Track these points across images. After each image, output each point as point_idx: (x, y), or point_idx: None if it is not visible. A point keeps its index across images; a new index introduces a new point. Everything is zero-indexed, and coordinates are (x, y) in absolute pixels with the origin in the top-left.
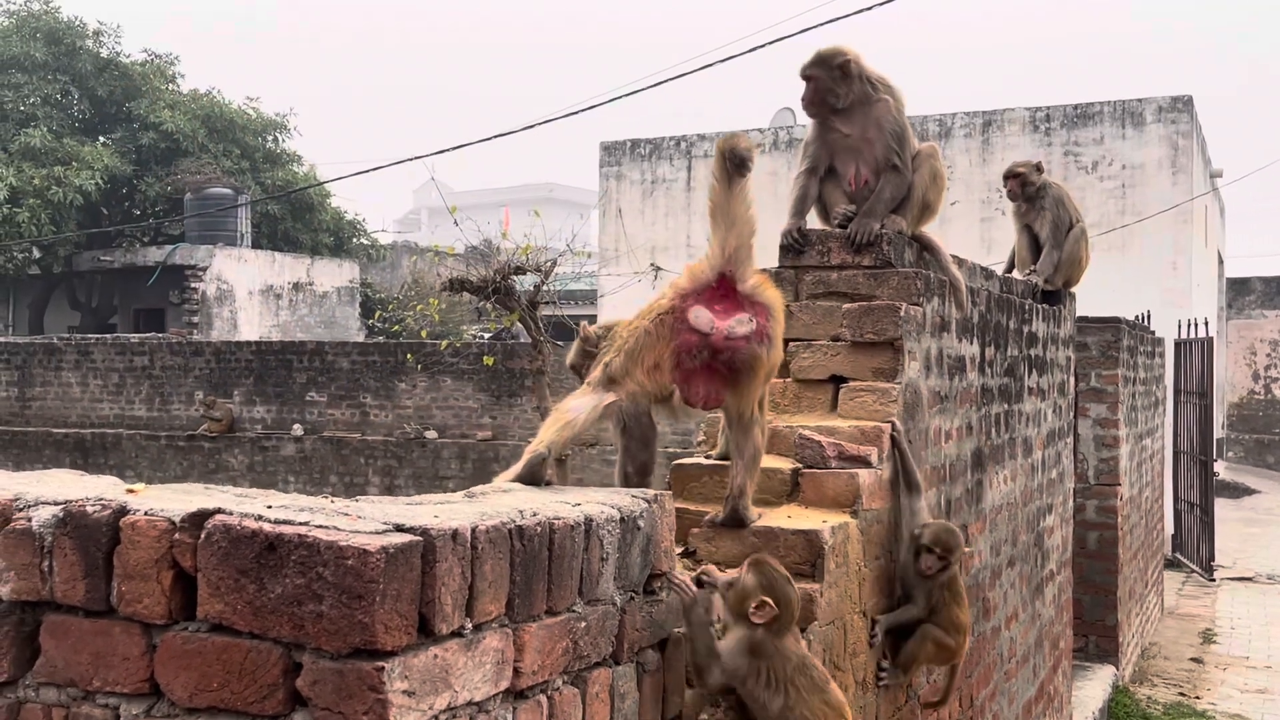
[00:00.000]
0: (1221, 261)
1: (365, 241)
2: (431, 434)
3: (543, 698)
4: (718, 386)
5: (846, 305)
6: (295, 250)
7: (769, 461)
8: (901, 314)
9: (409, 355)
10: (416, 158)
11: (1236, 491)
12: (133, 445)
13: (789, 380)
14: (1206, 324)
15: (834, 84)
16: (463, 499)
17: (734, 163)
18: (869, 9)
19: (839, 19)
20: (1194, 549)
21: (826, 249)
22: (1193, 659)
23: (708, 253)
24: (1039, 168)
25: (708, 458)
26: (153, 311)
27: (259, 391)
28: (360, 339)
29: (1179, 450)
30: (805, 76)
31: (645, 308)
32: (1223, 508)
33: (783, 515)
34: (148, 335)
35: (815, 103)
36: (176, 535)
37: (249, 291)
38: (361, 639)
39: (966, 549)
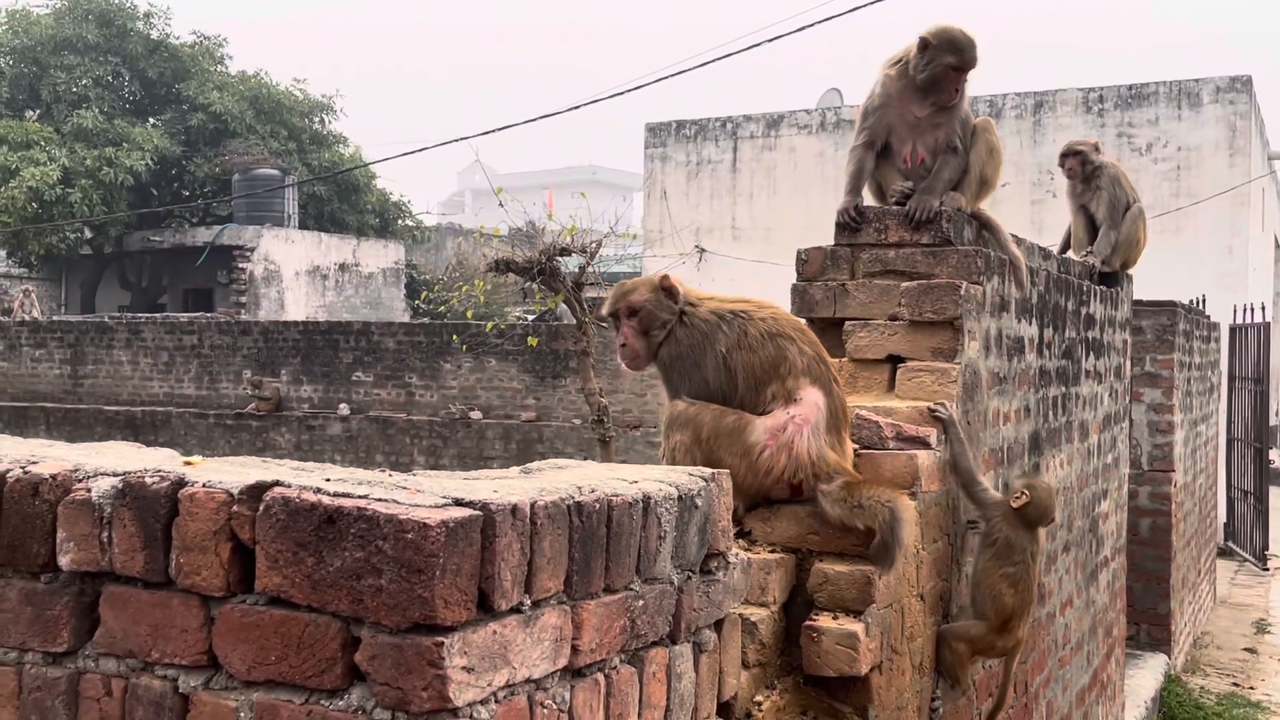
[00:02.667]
0: (1278, 245)
1: (410, 223)
2: (476, 414)
3: (600, 676)
4: None
5: (905, 284)
6: (341, 231)
7: None
8: (961, 293)
9: (454, 336)
10: (461, 139)
11: None
12: (182, 423)
13: (845, 359)
14: (1264, 309)
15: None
16: (519, 474)
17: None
18: None
19: None
20: (1247, 537)
21: (884, 226)
22: (1246, 649)
23: None
24: (1097, 147)
25: None
26: (201, 291)
27: (306, 371)
28: (405, 320)
29: (1233, 437)
30: (974, 62)
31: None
32: (1276, 496)
33: None
34: (196, 315)
35: (962, 94)
36: (235, 507)
37: (295, 272)
38: (421, 614)
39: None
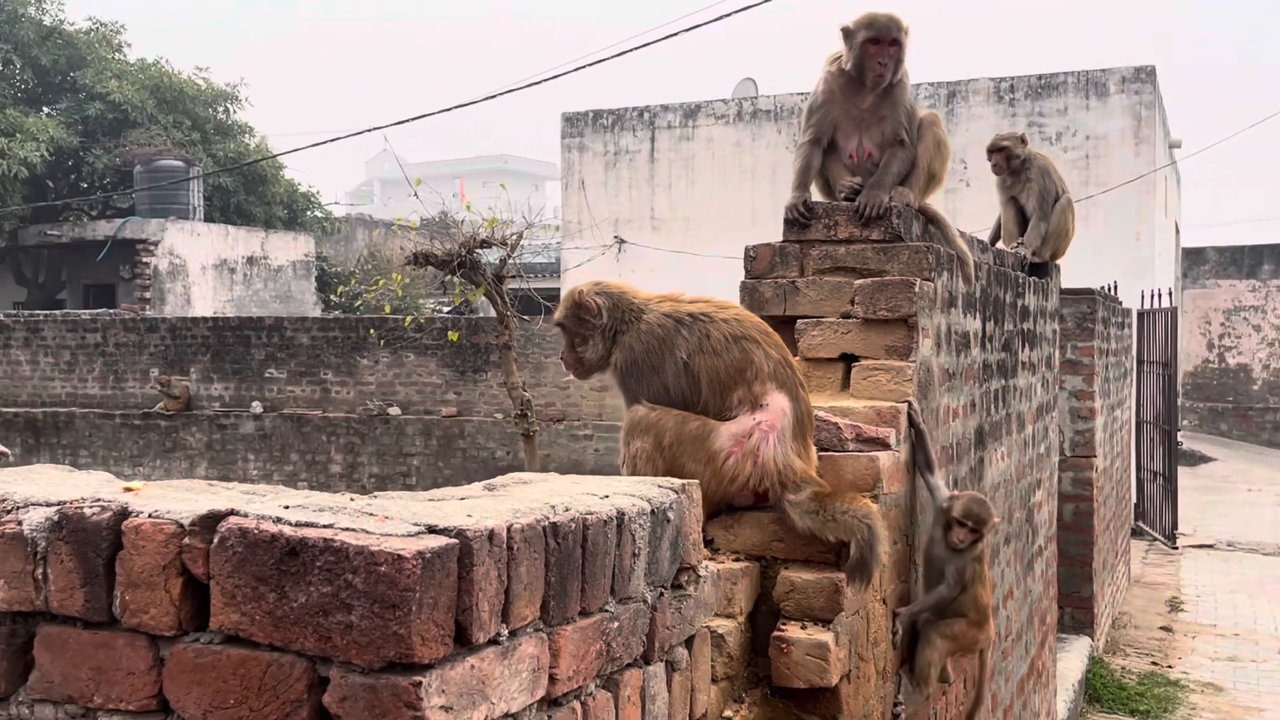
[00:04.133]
0: (1178, 232)
1: (320, 215)
2: (395, 411)
3: (577, 704)
4: None
5: (858, 281)
6: (248, 223)
7: None
8: (916, 290)
9: (371, 330)
10: (374, 129)
11: (1193, 460)
12: (86, 424)
13: (798, 359)
14: (1170, 294)
15: (905, 54)
16: (483, 491)
17: None
18: None
19: None
20: (1157, 517)
21: (833, 222)
22: (1162, 628)
23: None
24: (1023, 139)
25: None
26: (103, 287)
27: (216, 368)
28: (317, 314)
29: (1143, 420)
30: (892, 40)
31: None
32: (1181, 476)
33: None
34: (99, 311)
35: (892, 71)
36: (186, 540)
37: (202, 266)
38: (397, 652)
39: (996, 519)
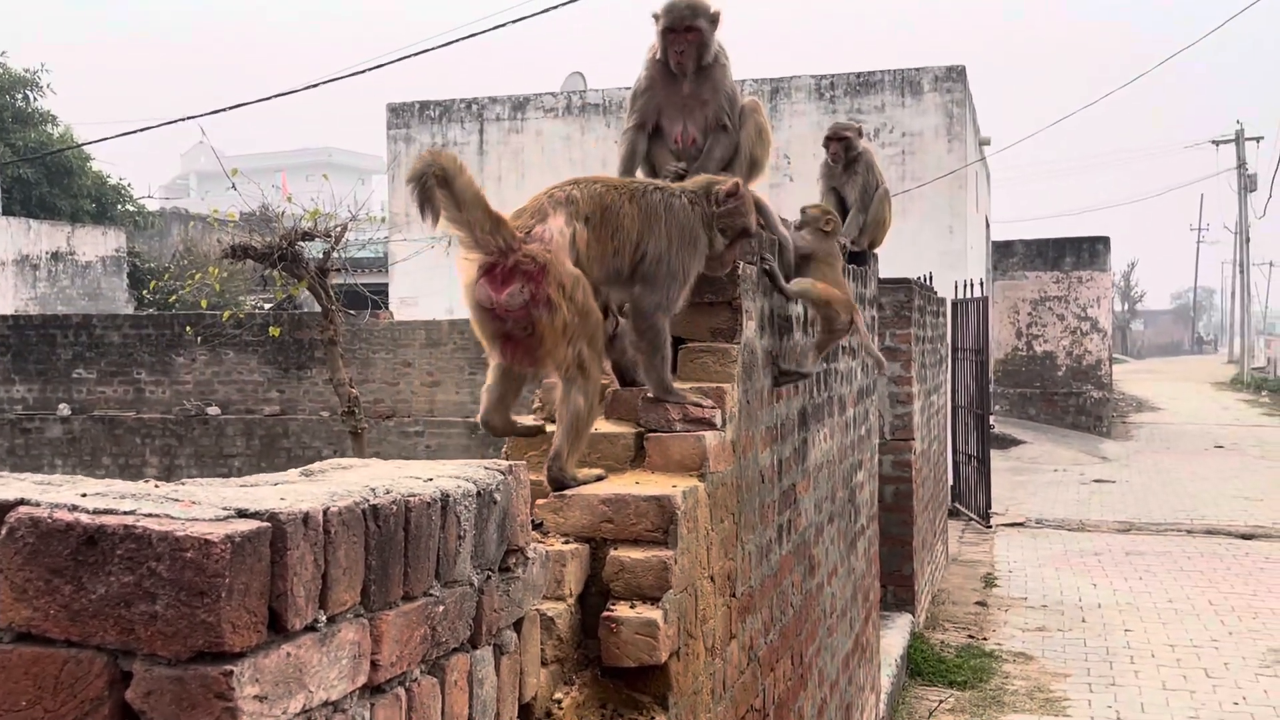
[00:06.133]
0: (989, 226)
1: (131, 208)
2: (214, 410)
3: (401, 690)
4: (524, 352)
5: None
6: (53, 217)
7: (612, 427)
8: (739, 273)
9: (187, 327)
10: (188, 118)
11: (1005, 443)
12: None
13: None
14: (981, 284)
15: (709, 38)
16: (300, 477)
17: (444, 178)
18: None
19: None
20: (972, 498)
21: None
22: (978, 603)
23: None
24: (860, 131)
25: (535, 421)
26: None
27: (18, 369)
28: (130, 311)
29: (957, 405)
30: (688, 27)
31: None
32: (994, 458)
33: (630, 481)
34: None
35: (694, 58)
36: None
37: (1, 262)
38: (205, 640)
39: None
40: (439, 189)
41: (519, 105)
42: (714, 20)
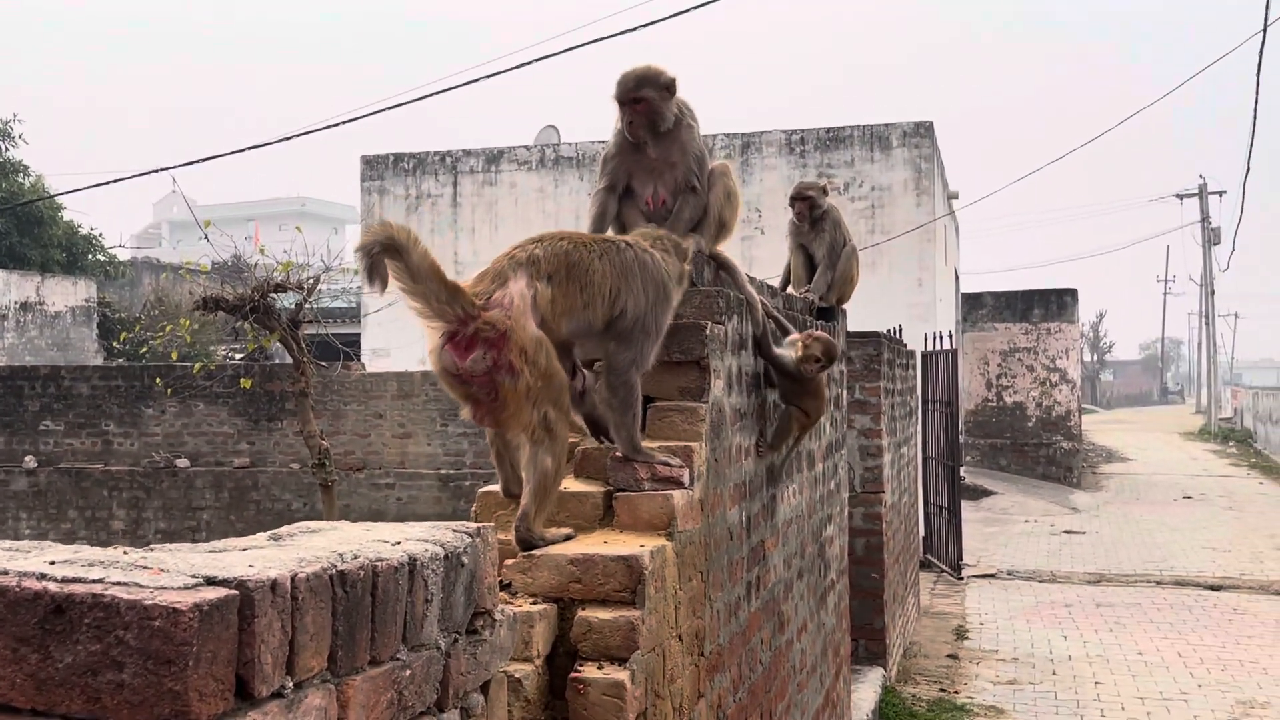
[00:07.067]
0: (958, 278)
1: (103, 258)
2: (183, 462)
3: None
4: (490, 414)
5: None
6: (23, 267)
7: (580, 486)
8: (707, 332)
9: (157, 379)
10: (161, 169)
11: (976, 493)
12: None
13: None
14: (951, 336)
15: (662, 106)
16: (268, 541)
17: (395, 249)
18: (634, 30)
19: (603, 39)
20: (943, 549)
21: None
22: (949, 655)
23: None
24: (824, 189)
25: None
26: None
27: None
28: (99, 362)
29: (928, 456)
30: (634, 99)
31: None
32: (965, 509)
33: (599, 540)
34: None
35: (644, 126)
36: None
37: None
38: (172, 709)
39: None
40: (392, 260)
41: (493, 158)
42: (666, 88)
